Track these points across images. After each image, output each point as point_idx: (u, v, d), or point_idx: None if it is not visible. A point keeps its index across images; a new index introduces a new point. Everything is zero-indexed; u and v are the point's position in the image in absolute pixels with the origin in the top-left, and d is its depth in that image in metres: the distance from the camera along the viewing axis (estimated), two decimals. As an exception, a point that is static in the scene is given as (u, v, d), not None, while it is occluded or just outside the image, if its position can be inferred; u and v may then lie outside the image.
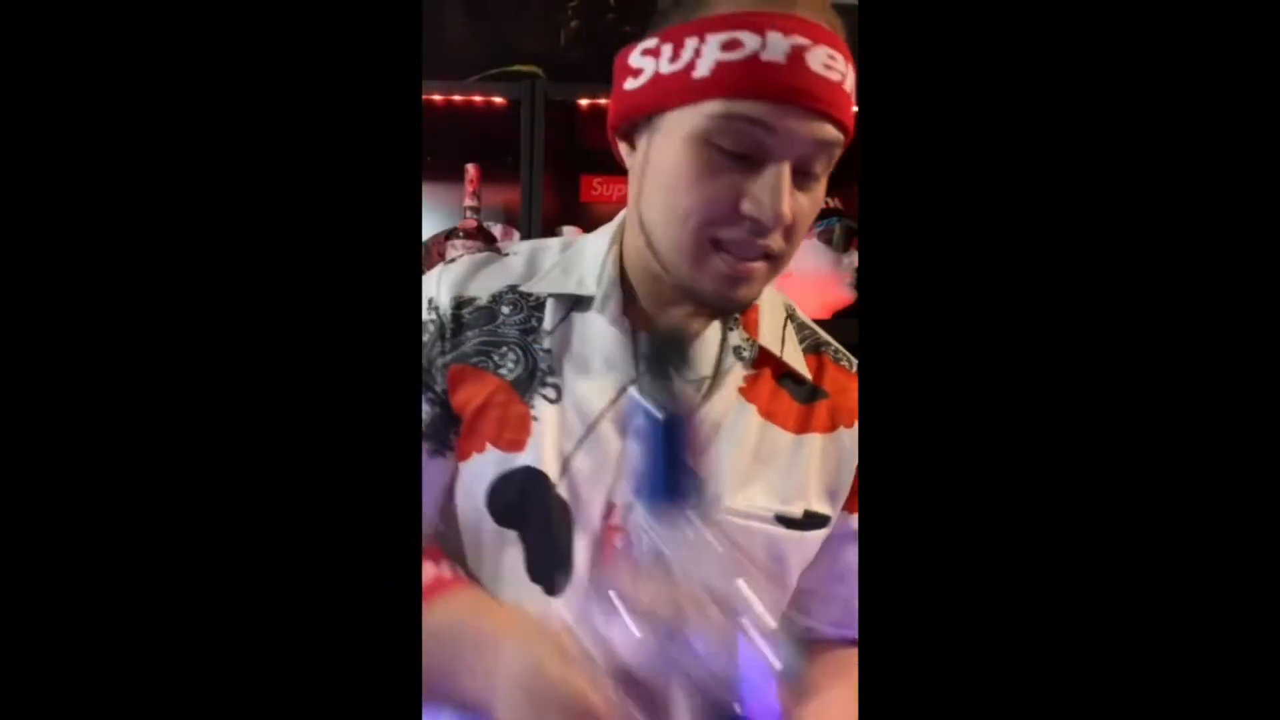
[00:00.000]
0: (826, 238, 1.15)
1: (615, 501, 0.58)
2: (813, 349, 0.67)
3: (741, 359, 0.62)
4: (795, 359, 0.64)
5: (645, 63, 0.57)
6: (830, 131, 0.53)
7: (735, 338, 0.62)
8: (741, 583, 0.46)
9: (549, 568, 0.58)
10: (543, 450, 0.58)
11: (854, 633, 0.66)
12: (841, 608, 0.66)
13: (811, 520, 0.61)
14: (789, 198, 0.52)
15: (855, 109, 0.55)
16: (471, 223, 1.24)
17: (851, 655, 0.65)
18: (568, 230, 1.22)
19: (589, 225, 1.26)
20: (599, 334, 0.61)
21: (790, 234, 0.55)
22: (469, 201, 1.25)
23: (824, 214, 1.16)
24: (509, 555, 0.58)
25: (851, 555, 0.64)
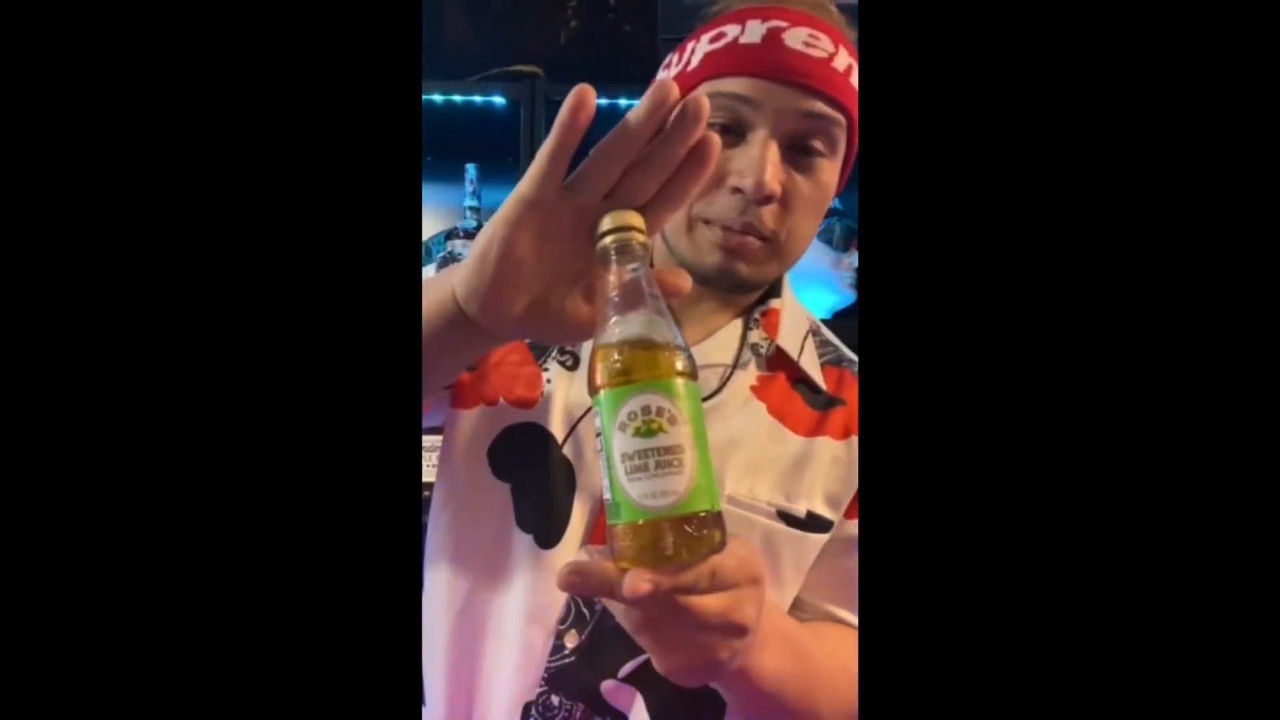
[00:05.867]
0: (827, 238, 1.15)
1: None
2: (834, 363, 0.67)
3: (758, 355, 0.63)
4: (812, 367, 0.65)
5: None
6: (816, 105, 0.54)
7: (754, 336, 0.64)
8: None
9: (544, 521, 0.60)
10: (551, 411, 0.62)
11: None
12: (832, 612, 0.66)
13: (814, 522, 0.62)
14: (774, 169, 0.54)
15: (856, 92, 0.56)
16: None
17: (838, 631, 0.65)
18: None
19: (589, 225, 1.26)
20: None
21: (787, 213, 0.56)
22: (469, 201, 1.25)
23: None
24: (498, 504, 0.61)
25: (850, 561, 0.65)
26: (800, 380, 0.64)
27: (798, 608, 0.66)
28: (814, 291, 1.15)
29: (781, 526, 0.60)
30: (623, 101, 1.14)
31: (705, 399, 0.60)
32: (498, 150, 1.29)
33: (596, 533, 0.59)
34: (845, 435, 0.64)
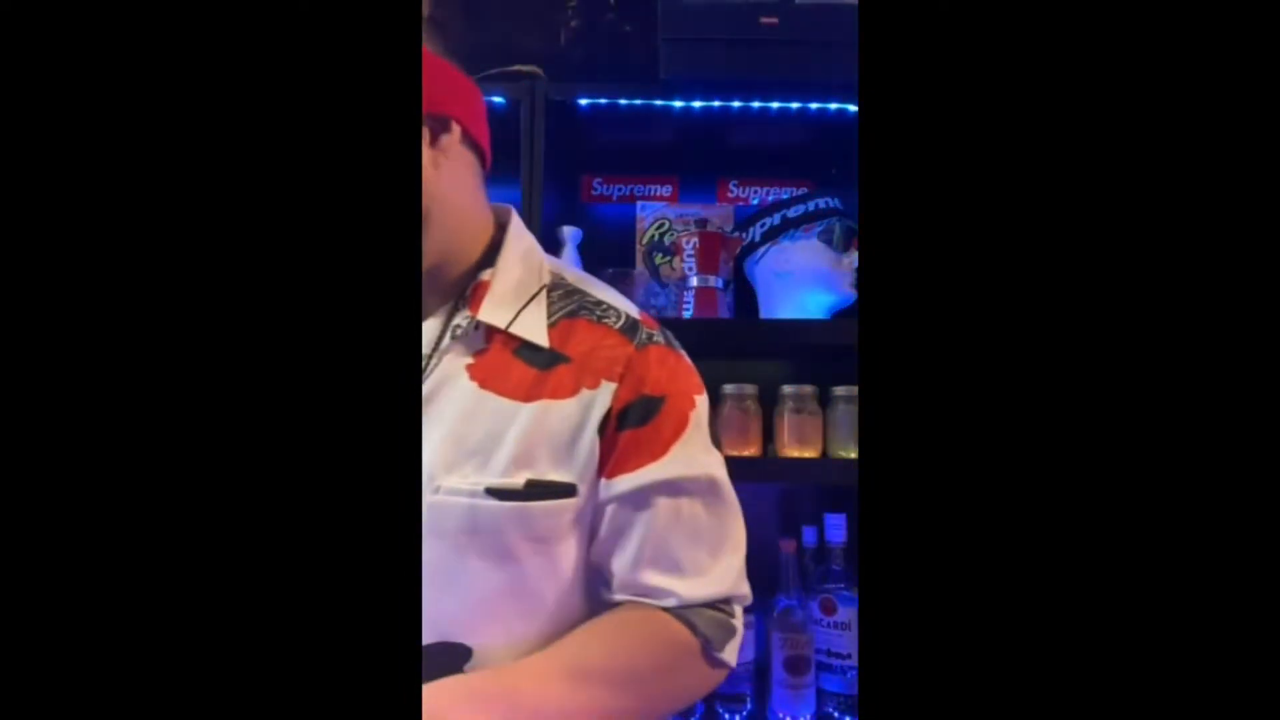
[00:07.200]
0: (827, 238, 1.15)
1: None
2: (571, 315, 0.65)
3: (456, 336, 0.63)
4: (530, 328, 0.63)
5: None
6: None
7: (459, 316, 0.63)
8: None
9: None
10: None
11: (655, 599, 0.63)
12: (633, 577, 0.63)
13: (541, 489, 0.60)
14: None
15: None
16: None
17: (632, 614, 0.63)
18: (567, 230, 1.21)
19: (589, 225, 1.26)
20: None
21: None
22: (469, 201, 1.25)
23: (824, 214, 1.16)
24: None
25: (629, 519, 0.63)
26: (524, 345, 0.63)
27: (607, 585, 0.64)
28: (814, 292, 1.15)
29: (492, 503, 0.59)
30: (622, 102, 1.13)
31: None
32: (498, 150, 1.29)
33: None
34: (574, 391, 0.61)
